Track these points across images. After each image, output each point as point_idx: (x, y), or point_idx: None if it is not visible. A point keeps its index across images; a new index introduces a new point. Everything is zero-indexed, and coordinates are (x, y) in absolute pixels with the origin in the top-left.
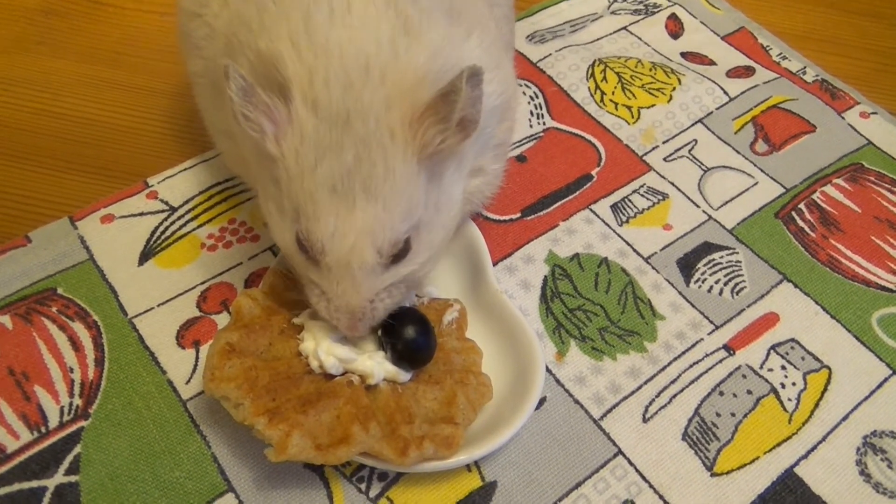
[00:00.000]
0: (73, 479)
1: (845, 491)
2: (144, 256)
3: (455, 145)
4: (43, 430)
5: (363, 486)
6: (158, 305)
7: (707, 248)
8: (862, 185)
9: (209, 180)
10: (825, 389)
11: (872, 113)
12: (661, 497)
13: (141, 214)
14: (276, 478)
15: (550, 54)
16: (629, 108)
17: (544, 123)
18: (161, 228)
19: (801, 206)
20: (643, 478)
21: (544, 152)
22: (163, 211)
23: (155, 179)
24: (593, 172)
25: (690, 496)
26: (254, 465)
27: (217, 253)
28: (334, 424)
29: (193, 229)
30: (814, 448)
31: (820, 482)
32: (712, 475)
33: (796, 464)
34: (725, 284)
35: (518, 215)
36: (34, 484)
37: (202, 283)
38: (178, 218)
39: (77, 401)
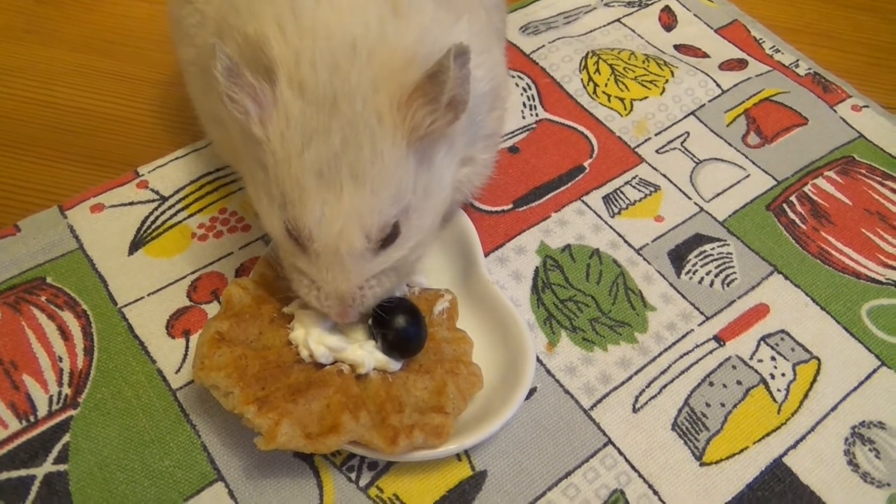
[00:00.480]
0: (61, 467)
1: (833, 480)
2: (134, 246)
3: (445, 127)
4: (31, 419)
5: (353, 476)
6: (148, 295)
7: (698, 239)
8: (853, 177)
9: (200, 170)
10: (814, 380)
11: (864, 106)
12: (650, 486)
13: (131, 204)
14: (266, 467)
15: (543, 45)
16: (622, 99)
17: (537, 115)
18: (151, 218)
19: (793, 198)
20: (633, 467)
21: (537, 143)
22: (153, 200)
23: (145, 169)
24: (585, 164)
25: (679, 485)
26: (243, 454)
27: (208, 243)
28: (324, 413)
29: (184, 219)
30: (802, 438)
31: (808, 472)
32: (701, 465)
33: (785, 454)
34: (716, 276)
35: (510, 206)
36: (22, 473)
37: (192, 272)
38: (169, 207)
39: (66, 390)
